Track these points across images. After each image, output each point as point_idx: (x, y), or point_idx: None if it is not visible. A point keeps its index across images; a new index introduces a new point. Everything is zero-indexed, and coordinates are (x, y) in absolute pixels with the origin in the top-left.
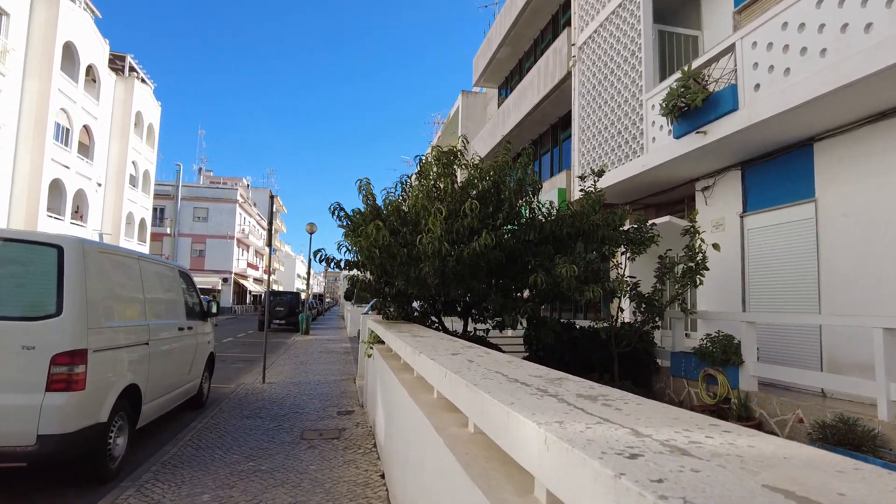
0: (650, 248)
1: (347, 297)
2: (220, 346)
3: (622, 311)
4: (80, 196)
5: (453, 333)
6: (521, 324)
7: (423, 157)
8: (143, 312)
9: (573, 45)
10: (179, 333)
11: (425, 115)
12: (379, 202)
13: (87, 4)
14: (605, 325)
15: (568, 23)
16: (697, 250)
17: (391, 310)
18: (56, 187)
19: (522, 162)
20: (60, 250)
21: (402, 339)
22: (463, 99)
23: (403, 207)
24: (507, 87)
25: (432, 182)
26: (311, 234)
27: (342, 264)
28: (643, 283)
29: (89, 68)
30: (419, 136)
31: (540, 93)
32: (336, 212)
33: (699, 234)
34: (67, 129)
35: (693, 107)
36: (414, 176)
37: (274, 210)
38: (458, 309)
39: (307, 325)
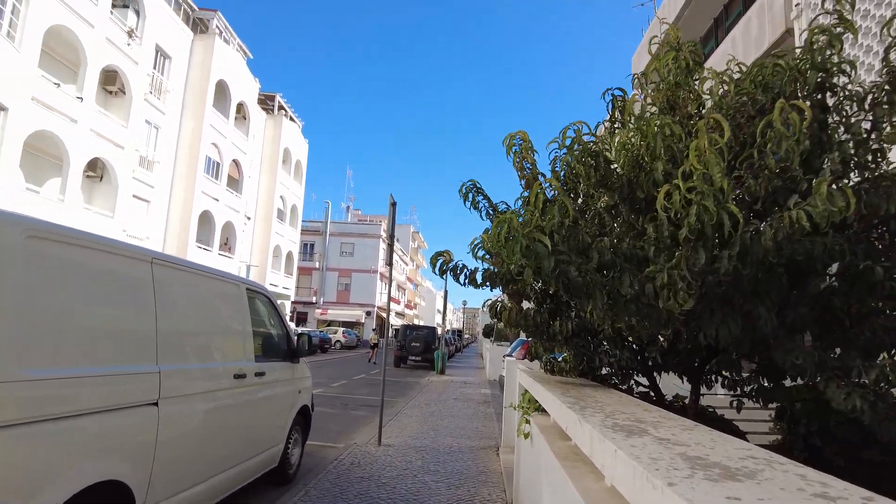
0: None
1: (486, 333)
2: (348, 386)
3: None
4: (228, 228)
5: (672, 406)
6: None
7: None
8: (145, 350)
9: None
10: (236, 384)
11: None
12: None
13: (239, 45)
14: None
15: None
16: None
17: (563, 359)
18: (206, 219)
19: None
20: None
21: (639, 464)
22: None
23: (609, 154)
24: None
25: (665, 92)
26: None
27: (478, 277)
28: None
29: (240, 106)
30: None
31: None
32: (470, 193)
33: None
34: (217, 163)
35: None
36: (605, 124)
37: (394, 217)
38: (677, 360)
39: (443, 363)
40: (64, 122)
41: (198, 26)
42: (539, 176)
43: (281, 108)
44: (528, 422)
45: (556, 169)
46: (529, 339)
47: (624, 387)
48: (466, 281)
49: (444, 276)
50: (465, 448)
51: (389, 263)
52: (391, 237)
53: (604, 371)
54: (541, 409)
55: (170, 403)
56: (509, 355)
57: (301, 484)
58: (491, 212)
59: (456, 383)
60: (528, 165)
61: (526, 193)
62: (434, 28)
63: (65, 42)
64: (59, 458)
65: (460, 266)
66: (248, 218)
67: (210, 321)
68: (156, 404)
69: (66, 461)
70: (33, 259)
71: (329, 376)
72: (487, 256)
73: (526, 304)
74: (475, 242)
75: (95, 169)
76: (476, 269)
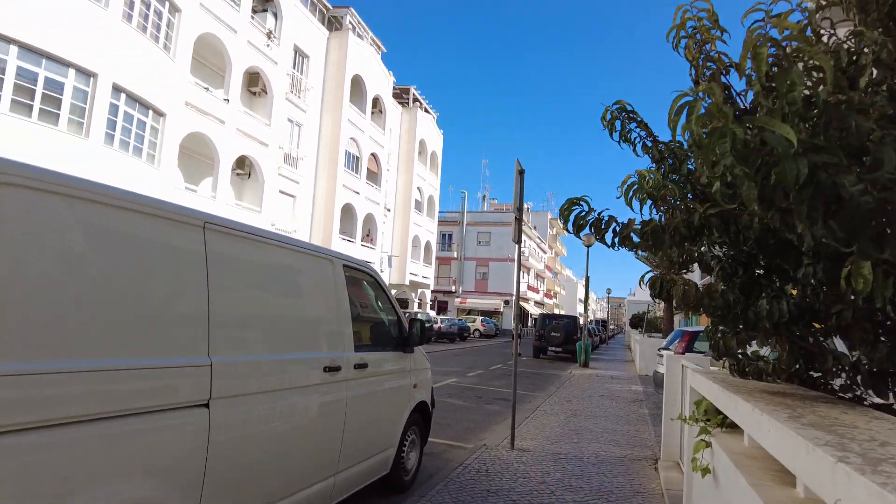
0: None
1: (634, 324)
2: (483, 376)
3: None
4: (369, 220)
5: None
6: None
7: None
8: (193, 338)
9: None
10: (328, 379)
11: None
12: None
13: (372, 40)
14: None
15: None
16: None
17: (763, 358)
18: (348, 212)
19: None
20: None
21: None
22: None
23: None
24: None
25: None
26: (588, 246)
27: (634, 234)
28: None
29: (375, 100)
30: None
31: None
32: (617, 121)
33: None
34: (357, 157)
35: None
36: None
37: (521, 187)
38: None
39: (587, 355)
40: (213, 124)
41: (332, 24)
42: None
43: (415, 100)
44: (707, 444)
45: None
46: (704, 327)
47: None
48: (617, 240)
49: (581, 234)
50: (615, 458)
51: (518, 241)
52: (519, 210)
53: (836, 382)
54: (729, 425)
55: (227, 404)
56: (666, 348)
57: (416, 496)
58: (649, 143)
59: (602, 378)
60: (713, 52)
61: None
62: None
63: (212, 48)
64: (66, 476)
65: (605, 219)
66: (388, 210)
67: (290, 303)
68: (206, 405)
69: (79, 480)
70: (20, 214)
71: (465, 365)
72: (649, 203)
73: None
74: (629, 182)
75: (244, 167)
76: (630, 222)
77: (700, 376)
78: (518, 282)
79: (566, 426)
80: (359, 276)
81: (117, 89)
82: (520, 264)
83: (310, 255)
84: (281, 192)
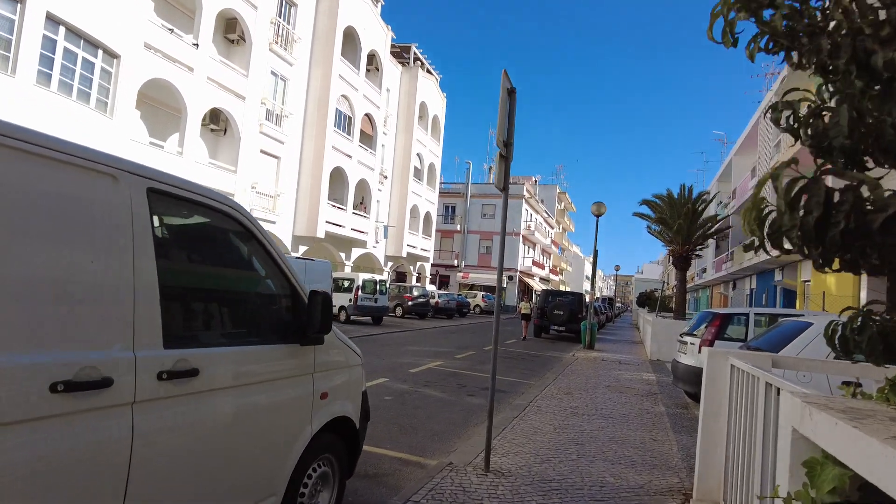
0: None
1: (641, 302)
2: (475, 358)
3: None
4: (363, 187)
5: None
6: None
7: None
8: None
9: None
10: (68, 406)
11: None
12: None
13: None
14: None
15: None
16: None
17: None
18: (338, 176)
19: None
20: None
21: None
22: None
23: None
24: None
25: None
26: (598, 216)
27: None
28: None
29: (371, 56)
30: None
31: None
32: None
33: None
34: (349, 118)
35: None
36: None
37: (510, 111)
38: None
39: (592, 336)
40: (180, 71)
41: None
42: None
43: (416, 59)
44: None
45: None
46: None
47: None
48: None
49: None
50: (628, 490)
51: (504, 188)
52: (506, 145)
53: None
54: None
55: None
56: (690, 334)
57: None
58: None
59: (608, 363)
60: None
61: None
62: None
63: None
64: None
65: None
66: (385, 177)
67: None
68: None
69: None
70: None
71: (457, 345)
72: None
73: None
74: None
75: (218, 122)
76: None
77: (833, 419)
78: (503, 239)
79: (563, 432)
80: (199, 215)
81: (53, 20)
82: (505, 220)
83: (58, 164)
84: (263, 151)
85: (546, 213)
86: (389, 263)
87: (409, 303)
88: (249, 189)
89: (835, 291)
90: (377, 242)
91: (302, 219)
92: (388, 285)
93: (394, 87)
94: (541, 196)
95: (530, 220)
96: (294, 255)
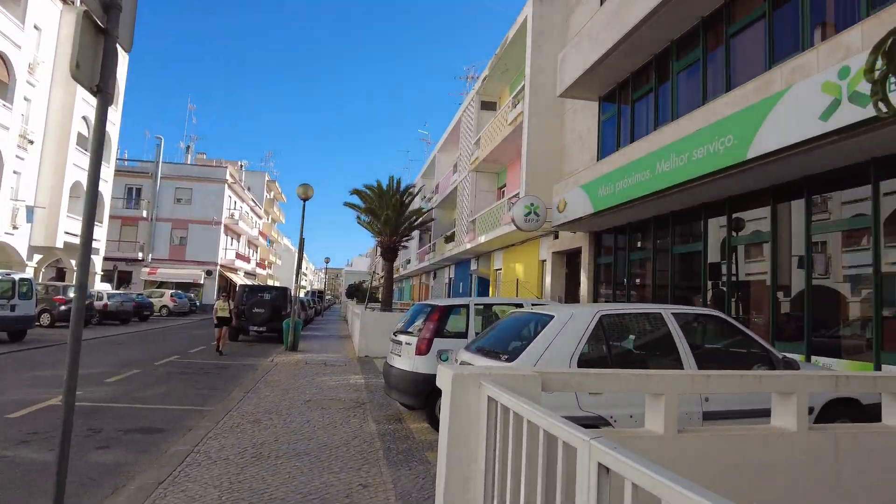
0: None
1: (350, 294)
2: (137, 379)
3: None
4: None
5: None
6: None
7: None
8: None
9: None
10: None
11: (445, 90)
12: None
13: None
14: None
15: None
16: None
17: None
18: None
19: None
20: None
21: None
22: (535, 6)
23: None
24: None
25: None
26: (304, 199)
27: None
28: None
29: None
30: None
31: None
32: None
33: None
34: None
35: None
36: None
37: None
38: None
39: (295, 336)
40: None
41: None
42: None
43: None
44: None
45: None
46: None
47: None
48: None
49: None
50: None
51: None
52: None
53: None
54: None
55: None
56: (405, 332)
57: None
58: None
59: (312, 366)
60: None
61: None
62: None
63: None
64: None
65: None
66: (30, 141)
67: None
68: None
69: None
70: None
71: (117, 362)
72: None
73: None
74: None
75: None
76: None
77: None
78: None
79: (237, 490)
80: None
81: None
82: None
83: None
84: None
85: (253, 201)
86: (37, 256)
87: (62, 307)
88: None
89: (523, 278)
90: (15, 228)
91: None
92: (34, 287)
93: (50, 29)
94: (248, 183)
95: (234, 209)
96: None
